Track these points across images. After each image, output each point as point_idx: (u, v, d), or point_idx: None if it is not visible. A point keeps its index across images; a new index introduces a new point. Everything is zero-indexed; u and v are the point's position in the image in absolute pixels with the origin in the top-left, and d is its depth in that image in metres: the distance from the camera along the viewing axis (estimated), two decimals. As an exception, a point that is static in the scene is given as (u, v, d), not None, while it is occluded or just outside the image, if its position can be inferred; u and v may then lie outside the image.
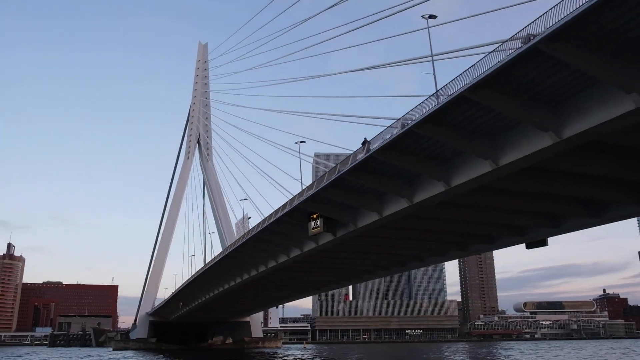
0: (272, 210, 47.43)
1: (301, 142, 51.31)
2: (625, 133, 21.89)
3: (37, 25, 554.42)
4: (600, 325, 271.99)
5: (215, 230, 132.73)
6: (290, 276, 63.13)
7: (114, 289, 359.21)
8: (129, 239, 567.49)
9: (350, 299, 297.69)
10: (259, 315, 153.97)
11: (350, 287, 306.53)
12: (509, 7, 27.18)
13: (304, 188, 40.52)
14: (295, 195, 41.40)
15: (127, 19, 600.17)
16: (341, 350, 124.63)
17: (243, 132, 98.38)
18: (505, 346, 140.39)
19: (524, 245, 42.57)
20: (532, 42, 17.64)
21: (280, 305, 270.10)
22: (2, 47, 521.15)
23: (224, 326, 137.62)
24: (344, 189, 34.50)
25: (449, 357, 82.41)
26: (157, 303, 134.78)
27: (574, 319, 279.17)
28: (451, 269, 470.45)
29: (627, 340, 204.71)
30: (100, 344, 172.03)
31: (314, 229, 39.52)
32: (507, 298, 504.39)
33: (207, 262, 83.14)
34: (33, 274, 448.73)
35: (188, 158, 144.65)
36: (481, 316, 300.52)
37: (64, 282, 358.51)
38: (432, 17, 31.74)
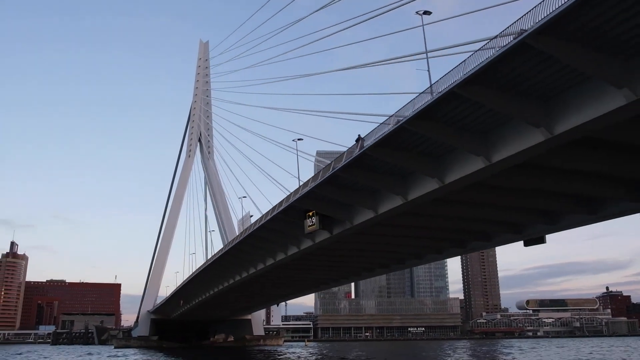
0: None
1: (299, 139, 51.16)
2: (617, 129, 21.72)
3: (39, 24, 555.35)
4: (603, 323, 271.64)
5: (217, 228, 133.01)
6: (289, 274, 63.08)
7: (116, 287, 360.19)
8: (132, 237, 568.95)
9: (353, 296, 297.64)
10: (261, 313, 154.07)
11: (353, 285, 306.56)
12: (508, 2, 26.89)
13: (299, 185, 40.39)
14: (291, 193, 41.31)
15: (129, 17, 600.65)
16: (342, 348, 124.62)
17: (244, 130, 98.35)
18: (506, 344, 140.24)
19: (521, 243, 42.41)
20: (520, 37, 17.50)
21: (283, 303, 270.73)
22: (5, 45, 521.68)
23: (225, 324, 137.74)
24: (338, 186, 34.38)
25: (447, 355, 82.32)
26: (158, 301, 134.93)
27: (577, 316, 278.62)
28: (454, 266, 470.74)
29: (630, 337, 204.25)
30: (102, 342, 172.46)
31: (309, 226, 39.45)
32: (510, 296, 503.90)
33: (207, 259, 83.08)
34: (36, 273, 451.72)
35: (189, 156, 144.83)
36: (484, 314, 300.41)
37: (67, 281, 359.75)
38: (426, 13, 31.57)
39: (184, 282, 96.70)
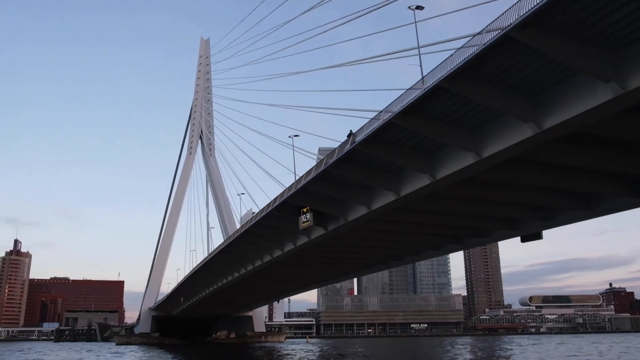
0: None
1: (295, 135, 50.89)
2: (608, 123, 21.50)
3: (41, 21, 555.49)
4: (606, 319, 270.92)
5: (218, 225, 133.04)
6: (287, 271, 62.98)
7: (120, 285, 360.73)
8: (136, 234, 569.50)
9: (355, 293, 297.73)
10: (262, 309, 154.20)
11: (355, 281, 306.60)
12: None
13: (293, 182, 40.25)
14: (286, 189, 41.18)
15: (130, 15, 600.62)
16: (343, 345, 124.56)
17: (244, 127, 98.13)
18: (507, 340, 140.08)
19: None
20: (503, 30, 17.27)
21: (286, 300, 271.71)
22: (9, 44, 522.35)
23: (226, 321, 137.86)
24: (331, 182, 34.24)
25: (445, 351, 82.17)
26: (160, 298, 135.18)
27: (580, 313, 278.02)
28: (456, 263, 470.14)
29: (633, 334, 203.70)
30: (105, 339, 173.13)
31: (304, 222, 39.33)
32: (514, 292, 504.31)
33: (205, 257, 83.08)
34: (40, 270, 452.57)
35: (190, 153, 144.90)
36: (486, 310, 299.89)
37: (70, 278, 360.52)
38: (419, 8, 31.36)
39: (183, 279, 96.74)
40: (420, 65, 29.65)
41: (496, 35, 17.71)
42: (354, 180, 33.12)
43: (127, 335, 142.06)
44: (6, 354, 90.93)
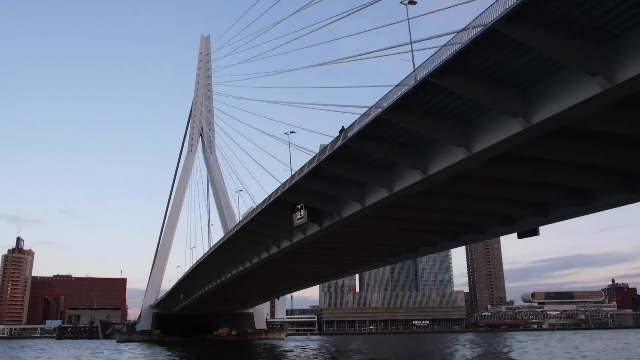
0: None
1: (291, 132, 50.76)
2: (599, 118, 21.32)
3: (45, 18, 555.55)
4: (609, 315, 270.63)
5: (219, 223, 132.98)
6: (284, 268, 62.90)
7: (122, 282, 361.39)
8: (138, 232, 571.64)
9: (357, 290, 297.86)
10: (264, 306, 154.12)
11: (357, 278, 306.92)
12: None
13: (288, 178, 40.10)
14: (280, 186, 41.03)
15: (131, 12, 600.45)
16: (344, 342, 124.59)
17: (244, 124, 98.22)
18: (507, 336, 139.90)
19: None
20: (488, 24, 17.06)
21: (289, 297, 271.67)
22: (11, 41, 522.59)
23: (227, 318, 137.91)
24: (324, 179, 34.09)
25: (441, 348, 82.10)
26: (160, 295, 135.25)
27: (582, 309, 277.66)
28: (458, 259, 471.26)
29: (635, 330, 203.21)
30: (107, 336, 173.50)
31: (298, 219, 39.19)
32: (517, 289, 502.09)
33: (203, 254, 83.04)
34: (44, 268, 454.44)
35: (191, 151, 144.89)
36: (489, 307, 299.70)
37: (73, 276, 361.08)
38: (411, 2, 31.15)
39: (182, 276, 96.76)
40: (413, 61, 29.49)
41: (481, 29, 17.48)
42: (347, 177, 32.96)
43: (129, 333, 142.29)
44: (6, 351, 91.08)
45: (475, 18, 18.29)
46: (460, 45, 18.75)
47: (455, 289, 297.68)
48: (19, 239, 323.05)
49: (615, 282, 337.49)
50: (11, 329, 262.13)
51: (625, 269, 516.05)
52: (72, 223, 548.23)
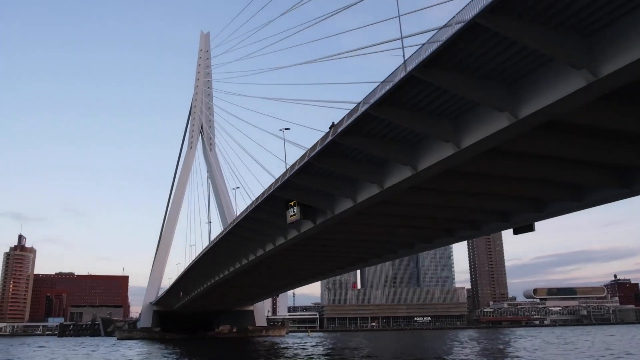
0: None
1: (286, 129, 50.54)
2: (589, 112, 21.07)
3: (43, 15, 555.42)
4: (611, 311, 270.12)
5: (218, 220, 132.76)
6: (281, 265, 62.65)
7: (124, 279, 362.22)
8: (140, 229, 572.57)
9: (359, 287, 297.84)
10: (264, 304, 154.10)
11: (359, 275, 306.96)
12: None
13: (280, 175, 39.88)
14: (272, 183, 40.82)
15: (131, 11, 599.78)
16: (344, 339, 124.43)
17: (244, 121, 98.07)
18: (507, 333, 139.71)
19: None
20: (470, 18, 16.79)
21: (291, 294, 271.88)
22: (15, 46, 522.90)
23: (227, 315, 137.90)
24: (316, 175, 33.85)
25: (438, 344, 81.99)
26: (161, 293, 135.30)
27: (584, 305, 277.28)
28: (460, 256, 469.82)
29: (637, 325, 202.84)
30: (108, 334, 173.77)
31: (291, 216, 38.98)
32: (520, 285, 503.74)
33: (200, 252, 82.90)
34: (46, 265, 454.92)
35: (191, 148, 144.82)
36: (491, 303, 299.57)
37: (76, 273, 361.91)
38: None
39: (181, 274, 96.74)
40: (404, 56, 29.19)
41: (463, 23, 17.21)
42: (338, 173, 32.72)
43: (129, 330, 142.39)
44: (4, 349, 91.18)
45: (458, 12, 18.02)
46: (442, 40, 18.51)
47: (457, 285, 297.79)
48: (20, 237, 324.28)
49: (618, 277, 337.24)
50: (13, 326, 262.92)
51: (628, 264, 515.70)
52: (75, 221, 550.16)
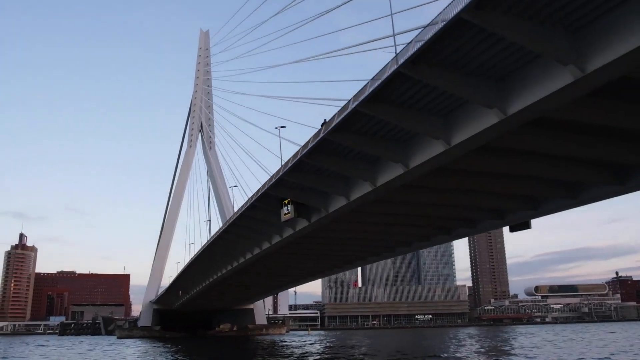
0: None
1: (282, 127, 50.33)
2: (580, 108, 20.92)
3: (43, 14, 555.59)
4: (612, 308, 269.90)
5: (218, 219, 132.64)
6: (278, 263, 62.41)
7: (125, 278, 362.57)
8: (142, 228, 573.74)
9: (360, 285, 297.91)
10: (264, 302, 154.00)
11: (360, 273, 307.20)
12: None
13: (273, 173, 39.72)
14: (266, 181, 40.66)
15: (131, 9, 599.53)
16: (344, 337, 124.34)
17: (244, 119, 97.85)
18: (508, 330, 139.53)
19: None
20: (455, 12, 16.60)
21: (292, 293, 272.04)
22: (14, 41, 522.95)
23: (227, 314, 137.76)
24: (308, 173, 33.69)
25: (436, 342, 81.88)
26: (160, 291, 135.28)
27: (585, 302, 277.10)
28: (461, 253, 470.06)
29: (638, 322, 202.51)
30: (109, 332, 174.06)
31: (285, 214, 38.79)
32: (521, 282, 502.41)
33: (197, 251, 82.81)
34: (48, 264, 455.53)
35: (191, 147, 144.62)
36: (492, 301, 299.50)
37: (77, 272, 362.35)
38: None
39: (179, 272, 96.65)
40: (396, 53, 29.03)
41: (449, 19, 17.02)
42: (331, 171, 32.52)
43: (129, 329, 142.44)
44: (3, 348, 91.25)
45: (445, 8, 17.81)
46: (428, 36, 18.33)
47: (458, 283, 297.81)
48: (21, 235, 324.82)
49: (620, 274, 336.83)
50: (15, 325, 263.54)
51: (629, 261, 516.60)
52: (77, 219, 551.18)
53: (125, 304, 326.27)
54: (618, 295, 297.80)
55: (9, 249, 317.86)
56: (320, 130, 29.23)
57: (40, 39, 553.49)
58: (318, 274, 78.80)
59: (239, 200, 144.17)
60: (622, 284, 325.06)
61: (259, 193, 41.09)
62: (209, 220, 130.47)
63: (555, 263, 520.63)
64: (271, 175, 40.35)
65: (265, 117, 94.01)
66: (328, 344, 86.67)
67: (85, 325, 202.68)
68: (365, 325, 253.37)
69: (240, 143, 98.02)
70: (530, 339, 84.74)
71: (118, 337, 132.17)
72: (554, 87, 17.92)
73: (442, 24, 17.46)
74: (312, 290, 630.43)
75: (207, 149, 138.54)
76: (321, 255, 58.48)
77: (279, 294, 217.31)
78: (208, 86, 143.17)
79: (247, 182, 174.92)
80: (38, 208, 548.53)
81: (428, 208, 38.18)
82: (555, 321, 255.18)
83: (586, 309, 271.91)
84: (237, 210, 50.57)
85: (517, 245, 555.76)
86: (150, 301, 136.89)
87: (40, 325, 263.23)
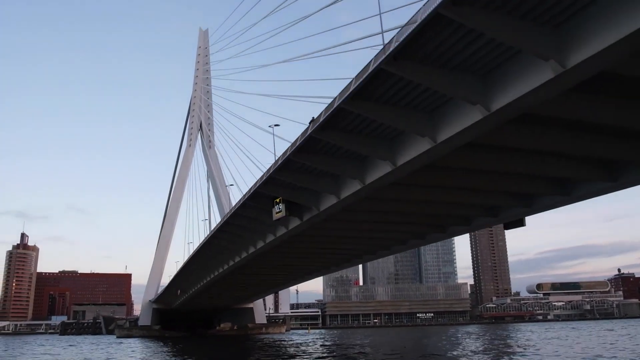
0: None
1: (275, 125, 50.12)
2: (568, 104, 20.67)
3: (42, 14, 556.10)
4: (614, 305, 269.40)
5: (218, 218, 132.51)
6: (275, 262, 62.27)
7: (127, 277, 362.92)
8: (143, 227, 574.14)
9: (361, 283, 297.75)
10: (264, 301, 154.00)
11: (361, 272, 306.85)
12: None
13: (264, 172, 39.52)
14: (257, 180, 40.47)
15: (130, 9, 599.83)
16: (345, 335, 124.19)
17: (243, 119, 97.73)
18: (509, 328, 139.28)
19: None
20: (432, 8, 16.35)
21: (294, 291, 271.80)
22: (13, 42, 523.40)
23: (227, 313, 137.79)
24: (298, 171, 33.48)
25: (434, 341, 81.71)
26: (160, 290, 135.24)
27: (588, 299, 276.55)
28: (462, 252, 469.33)
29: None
30: (110, 332, 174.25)
31: (277, 213, 38.63)
32: (524, 280, 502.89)
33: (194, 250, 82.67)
34: (50, 264, 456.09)
35: (190, 146, 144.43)
36: (493, 298, 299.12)
37: (79, 271, 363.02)
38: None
39: (177, 272, 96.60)
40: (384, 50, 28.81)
41: (427, 14, 16.77)
42: (320, 169, 32.30)
43: (129, 328, 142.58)
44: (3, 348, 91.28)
45: (425, 4, 17.56)
46: (404, 35, 18.11)
47: (460, 281, 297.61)
48: (23, 235, 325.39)
49: (622, 272, 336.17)
50: (16, 324, 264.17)
51: (631, 258, 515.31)
52: (78, 219, 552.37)
53: (127, 303, 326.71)
54: (620, 293, 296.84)
55: (10, 248, 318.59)
56: (307, 128, 29.01)
57: (40, 39, 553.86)
58: (315, 273, 78.61)
59: (237, 199, 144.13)
60: (624, 281, 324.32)
61: (251, 192, 40.96)
62: (205, 220, 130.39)
63: (557, 260, 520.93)
64: (263, 173, 40.17)
65: (266, 115, 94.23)
66: (328, 343, 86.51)
67: (86, 324, 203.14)
68: (366, 324, 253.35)
69: (239, 142, 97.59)
70: (529, 336, 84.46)
71: (117, 337, 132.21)
72: (535, 82, 17.68)
73: (421, 20, 17.21)
74: (313, 289, 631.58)
75: (207, 148, 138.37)
76: (316, 253, 58.32)
77: (280, 292, 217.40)
78: (207, 85, 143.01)
79: (246, 181, 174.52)
80: (40, 208, 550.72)
81: (420, 205, 37.94)
82: (557, 319, 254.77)
83: (588, 307, 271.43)
84: (231, 209, 50.46)
85: (518, 242, 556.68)
86: (150, 300, 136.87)
87: (41, 324, 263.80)
